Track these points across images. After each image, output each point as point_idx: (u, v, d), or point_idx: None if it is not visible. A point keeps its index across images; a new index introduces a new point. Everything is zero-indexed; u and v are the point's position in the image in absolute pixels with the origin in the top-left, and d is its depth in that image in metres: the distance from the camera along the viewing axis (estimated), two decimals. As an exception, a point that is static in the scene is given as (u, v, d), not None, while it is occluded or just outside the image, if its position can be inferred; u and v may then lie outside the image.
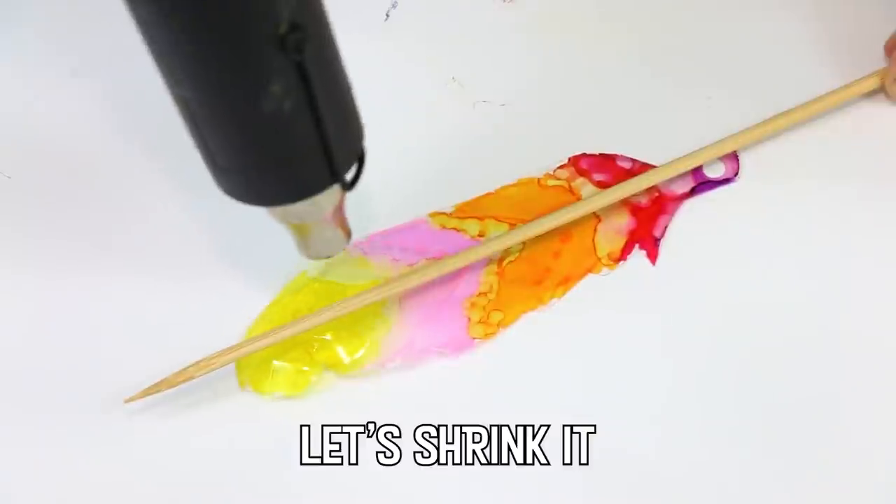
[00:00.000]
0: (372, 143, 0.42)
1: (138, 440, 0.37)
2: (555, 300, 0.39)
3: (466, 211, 0.41)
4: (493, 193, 0.41)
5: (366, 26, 0.45)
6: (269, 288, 0.39)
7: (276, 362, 0.37)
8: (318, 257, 0.35)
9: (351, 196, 0.41)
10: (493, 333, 0.38)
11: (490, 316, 0.38)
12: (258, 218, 0.39)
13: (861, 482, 0.36)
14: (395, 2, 0.46)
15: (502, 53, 0.45)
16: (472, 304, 0.39)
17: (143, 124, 0.43)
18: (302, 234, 0.34)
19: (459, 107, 0.44)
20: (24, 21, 0.45)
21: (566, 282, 0.39)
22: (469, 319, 0.38)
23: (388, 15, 0.46)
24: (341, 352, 0.38)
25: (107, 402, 0.37)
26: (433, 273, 0.38)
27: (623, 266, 0.39)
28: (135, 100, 0.43)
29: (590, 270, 0.39)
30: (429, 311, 0.39)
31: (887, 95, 0.42)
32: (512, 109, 0.44)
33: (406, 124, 0.43)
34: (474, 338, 0.38)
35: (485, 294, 0.39)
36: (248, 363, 0.37)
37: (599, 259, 0.39)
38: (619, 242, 0.40)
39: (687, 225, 0.40)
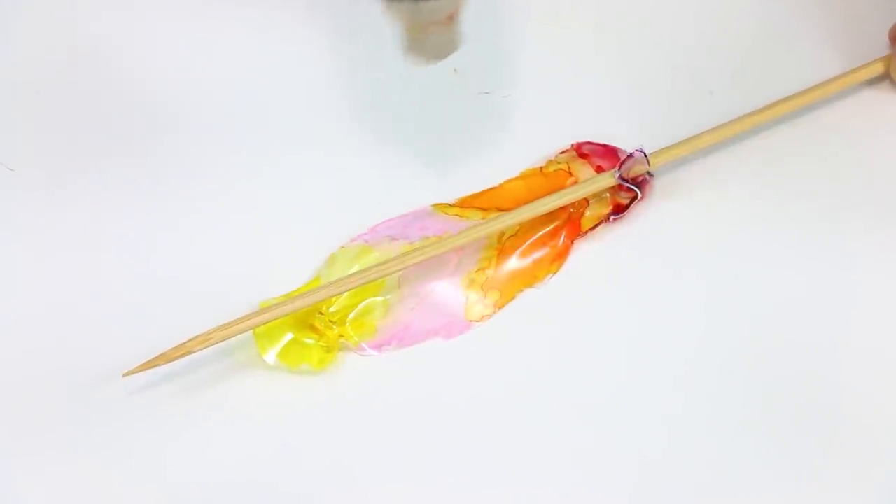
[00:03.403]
0: (373, 136, 0.43)
1: (137, 417, 0.37)
2: (550, 276, 0.39)
3: (469, 203, 0.41)
4: (497, 187, 0.41)
5: (367, 20, 0.46)
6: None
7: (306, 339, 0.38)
8: (431, 60, 0.35)
9: (352, 188, 0.41)
10: (490, 315, 0.38)
11: (488, 295, 0.38)
12: (268, 222, 0.40)
13: (860, 483, 0.36)
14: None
15: (504, 45, 0.45)
16: (471, 282, 0.39)
17: (143, 119, 0.43)
18: (419, 37, 0.34)
19: (461, 98, 0.44)
20: (24, 12, 0.46)
21: (560, 257, 0.39)
22: (467, 299, 0.38)
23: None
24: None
25: (107, 378, 0.37)
26: (432, 251, 0.38)
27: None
28: (135, 95, 0.44)
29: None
30: (427, 292, 0.39)
31: (893, 82, 0.42)
32: (513, 101, 0.44)
33: (408, 116, 0.43)
34: (471, 321, 0.38)
35: (483, 270, 0.39)
36: (272, 336, 0.38)
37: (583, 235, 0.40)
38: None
39: (686, 206, 0.40)
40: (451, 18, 0.33)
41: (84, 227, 0.41)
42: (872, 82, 0.42)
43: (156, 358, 0.36)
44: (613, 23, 0.45)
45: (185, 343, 0.36)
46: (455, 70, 0.44)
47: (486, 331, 0.38)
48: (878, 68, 0.42)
